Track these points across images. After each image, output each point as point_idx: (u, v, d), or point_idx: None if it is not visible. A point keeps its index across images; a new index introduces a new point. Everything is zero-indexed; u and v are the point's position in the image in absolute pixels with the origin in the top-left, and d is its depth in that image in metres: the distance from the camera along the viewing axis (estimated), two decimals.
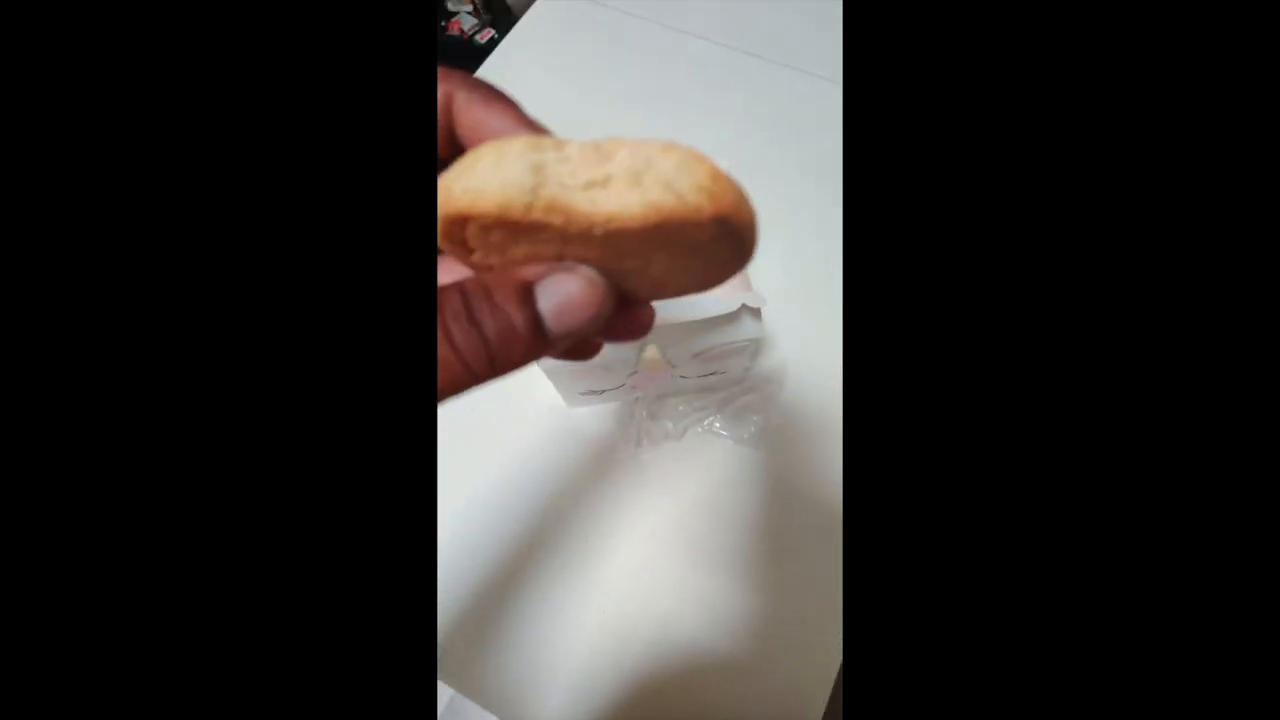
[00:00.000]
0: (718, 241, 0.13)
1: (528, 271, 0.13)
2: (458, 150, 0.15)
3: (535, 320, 0.13)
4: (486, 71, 0.61)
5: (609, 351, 0.36)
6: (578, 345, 0.17)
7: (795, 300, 0.48)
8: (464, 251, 0.14)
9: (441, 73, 0.14)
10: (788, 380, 0.46)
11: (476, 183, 0.12)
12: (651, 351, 0.37)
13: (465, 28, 1.32)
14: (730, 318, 0.35)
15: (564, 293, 0.13)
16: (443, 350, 0.12)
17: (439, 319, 0.12)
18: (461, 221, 0.13)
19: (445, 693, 0.41)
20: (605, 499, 0.44)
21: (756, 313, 0.35)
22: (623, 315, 0.16)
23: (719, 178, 0.12)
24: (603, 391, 0.43)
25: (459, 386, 0.13)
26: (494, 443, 0.45)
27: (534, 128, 0.14)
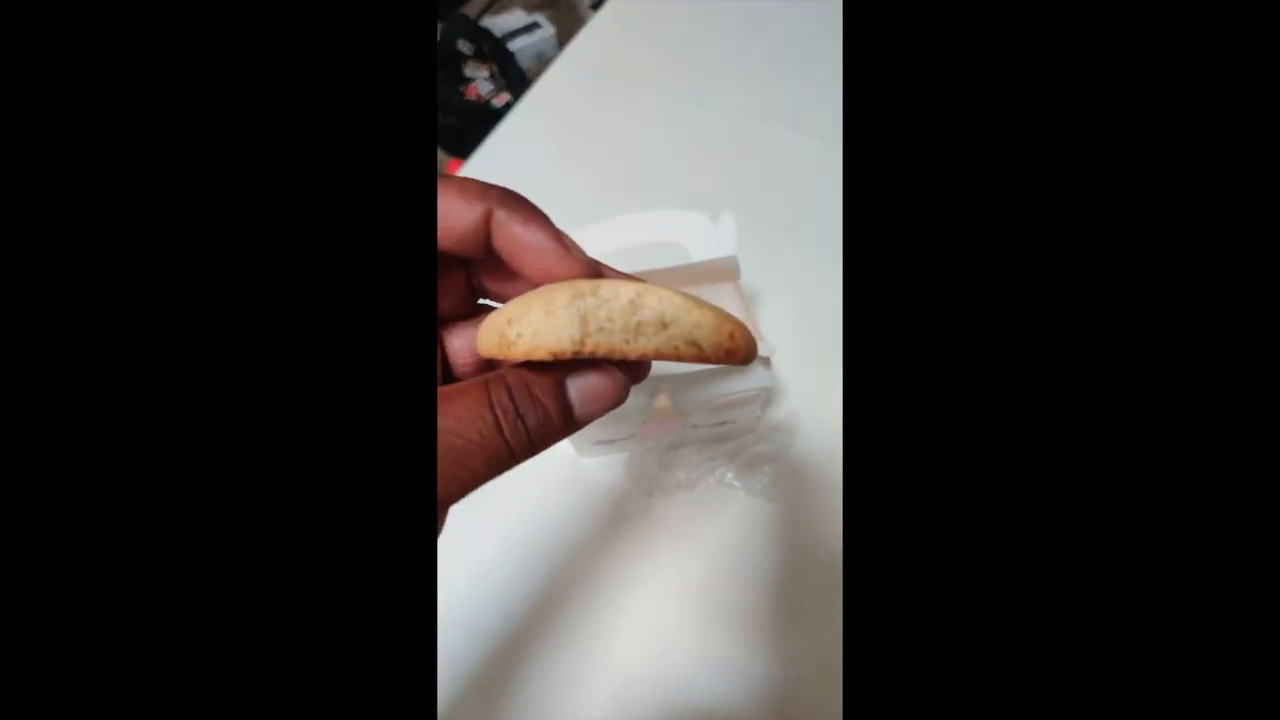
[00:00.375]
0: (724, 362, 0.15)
1: (560, 370, 0.16)
2: (492, 255, 0.17)
3: (568, 410, 0.15)
4: (502, 134, 0.64)
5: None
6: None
7: (805, 350, 0.49)
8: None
9: (481, 188, 0.16)
10: (800, 430, 0.46)
11: (531, 332, 0.14)
12: (663, 400, 0.37)
13: (482, 92, 1.38)
14: (742, 368, 0.35)
15: (590, 387, 0.16)
16: (495, 441, 0.14)
17: (489, 411, 0.14)
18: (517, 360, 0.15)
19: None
20: (616, 552, 0.43)
21: (766, 361, 0.35)
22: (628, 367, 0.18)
23: (735, 337, 0.14)
24: (614, 441, 0.43)
25: (503, 467, 0.15)
26: (506, 491, 0.44)
27: (562, 241, 0.17)
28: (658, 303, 0.14)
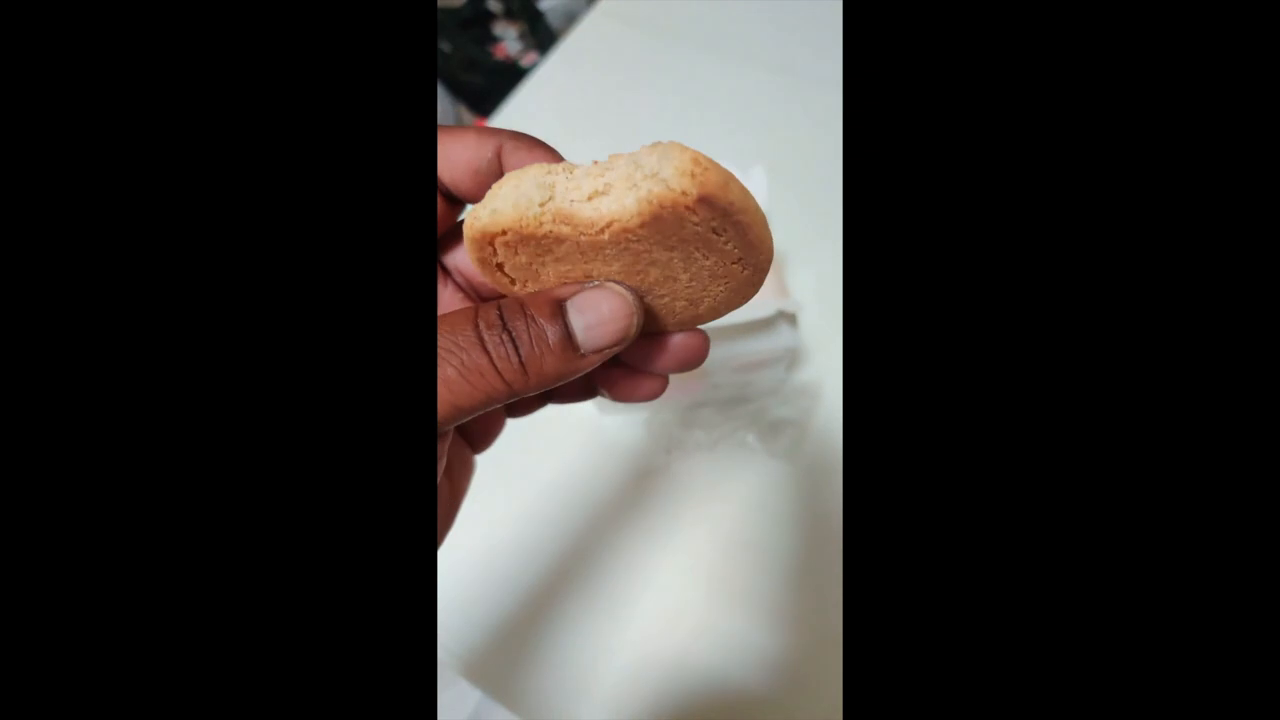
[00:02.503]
0: (717, 232, 0.13)
1: (560, 290, 0.14)
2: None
3: (567, 333, 0.14)
4: (529, 90, 0.63)
5: None
6: (646, 385, 0.18)
7: (831, 316, 0.48)
8: (507, 282, 0.15)
9: (493, 130, 0.16)
10: (824, 396, 0.45)
11: (495, 203, 0.13)
12: None
13: (511, 52, 1.36)
14: (767, 325, 0.34)
15: (594, 307, 0.14)
16: (478, 358, 0.13)
17: (475, 331, 0.13)
18: (489, 242, 0.14)
19: (472, 695, 0.41)
20: (635, 510, 0.43)
21: (793, 319, 0.34)
22: (675, 344, 0.17)
23: (700, 161, 0.12)
24: None
25: (493, 396, 0.14)
26: (529, 448, 0.45)
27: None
28: (625, 163, 0.13)
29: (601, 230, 0.13)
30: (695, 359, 0.17)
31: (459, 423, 0.14)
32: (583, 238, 0.13)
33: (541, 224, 0.13)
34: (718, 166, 0.13)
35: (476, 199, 0.16)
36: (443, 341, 0.13)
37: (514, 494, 0.44)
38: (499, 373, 0.13)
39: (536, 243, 0.14)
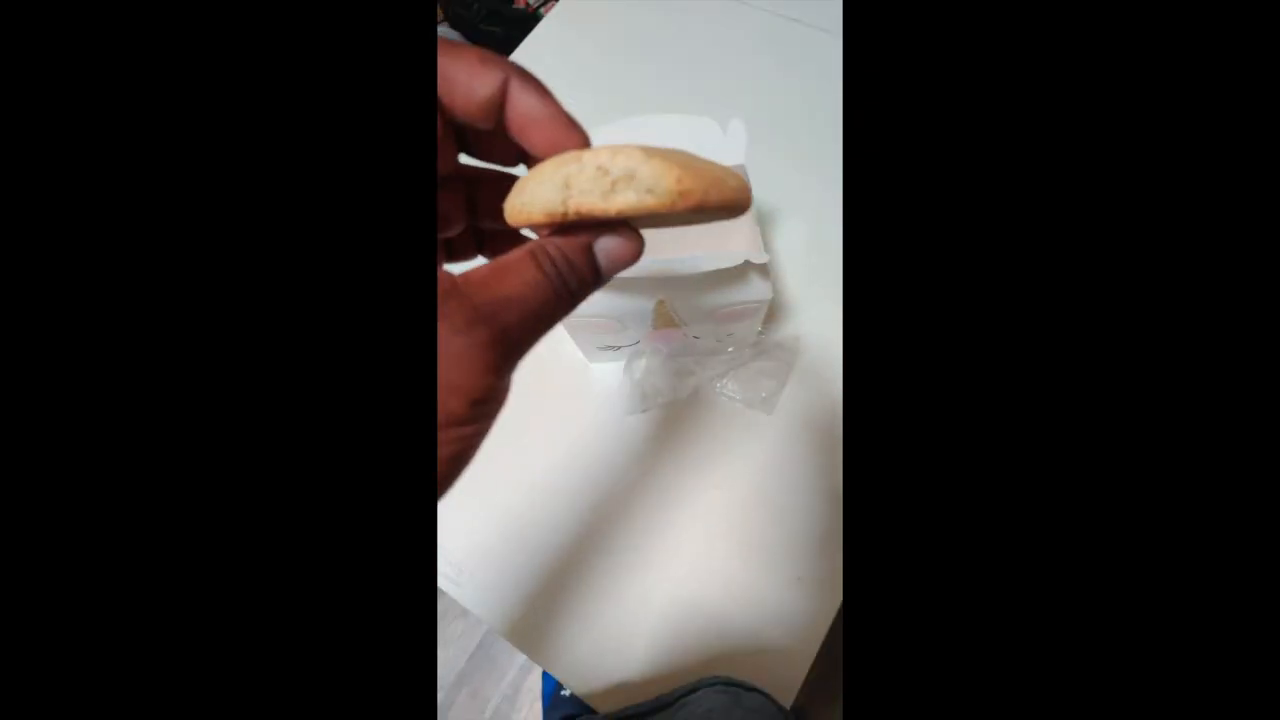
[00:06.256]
0: (707, 214, 0.17)
1: (587, 234, 0.18)
2: (500, 127, 0.19)
3: (594, 264, 0.18)
4: (537, 37, 0.63)
5: (625, 308, 0.37)
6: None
7: (815, 272, 0.48)
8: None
9: (499, 59, 0.18)
10: (803, 351, 0.46)
11: (525, 201, 0.17)
12: (665, 309, 0.38)
13: (532, 1, 1.34)
14: (738, 275, 0.35)
15: (612, 246, 0.19)
16: (538, 275, 0.17)
17: (534, 262, 0.17)
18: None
19: (478, 631, 0.44)
20: (613, 455, 0.46)
21: (763, 271, 0.36)
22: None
23: (684, 179, 0.15)
24: (619, 348, 0.45)
25: (546, 305, 0.17)
26: (521, 391, 0.47)
27: (570, 118, 0.19)
28: (624, 160, 0.16)
29: (612, 214, 0.16)
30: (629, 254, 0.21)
31: (523, 330, 0.17)
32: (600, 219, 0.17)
33: (566, 216, 0.16)
34: (702, 178, 0.16)
35: (485, 125, 0.18)
36: (511, 260, 0.17)
37: (505, 432, 0.46)
38: (552, 285, 0.17)
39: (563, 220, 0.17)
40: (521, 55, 0.62)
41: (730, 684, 0.37)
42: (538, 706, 0.90)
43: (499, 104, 0.18)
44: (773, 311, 0.47)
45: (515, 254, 0.17)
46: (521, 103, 0.18)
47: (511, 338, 0.16)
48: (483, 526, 0.44)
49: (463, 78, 0.17)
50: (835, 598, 0.41)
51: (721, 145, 0.36)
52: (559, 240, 0.18)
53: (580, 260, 0.18)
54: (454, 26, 1.12)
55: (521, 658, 0.93)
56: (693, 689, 0.37)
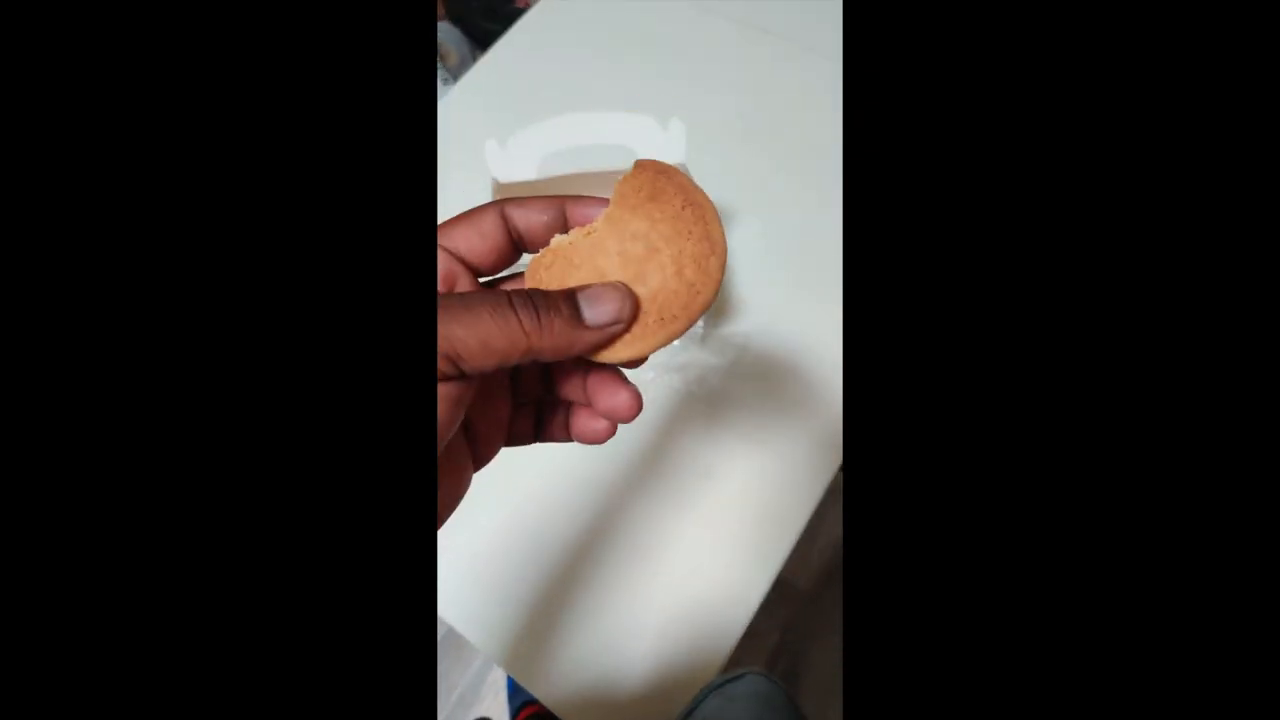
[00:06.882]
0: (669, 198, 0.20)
1: (572, 286, 0.19)
2: (513, 234, 0.20)
3: (575, 309, 0.18)
4: (518, 31, 0.64)
5: None
6: (595, 425, 0.23)
7: (761, 270, 0.50)
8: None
9: (552, 199, 0.20)
10: (750, 346, 0.48)
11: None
12: None
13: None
14: None
15: (597, 293, 0.18)
16: (507, 311, 0.17)
17: (506, 296, 0.17)
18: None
19: (442, 626, 0.44)
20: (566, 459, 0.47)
21: None
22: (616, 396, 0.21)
23: (698, 285, 0.19)
24: None
25: (515, 343, 0.17)
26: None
27: (557, 204, 0.21)
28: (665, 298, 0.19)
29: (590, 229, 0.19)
30: (629, 407, 0.21)
31: (483, 370, 0.17)
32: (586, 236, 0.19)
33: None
34: (701, 276, 0.19)
35: (494, 272, 0.20)
36: (477, 298, 0.17)
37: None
38: (521, 323, 0.17)
39: (565, 259, 0.19)
40: (500, 48, 0.64)
41: (717, 686, 0.37)
42: (502, 696, 0.91)
43: (507, 226, 0.20)
44: (720, 307, 0.49)
45: (489, 289, 0.19)
46: (523, 219, 0.20)
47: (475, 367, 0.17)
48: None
49: (470, 238, 0.20)
50: (762, 581, 0.42)
51: (662, 144, 0.37)
52: (543, 289, 0.19)
53: (560, 303, 0.19)
54: (454, 23, 1.13)
55: None
56: (690, 711, 0.37)
